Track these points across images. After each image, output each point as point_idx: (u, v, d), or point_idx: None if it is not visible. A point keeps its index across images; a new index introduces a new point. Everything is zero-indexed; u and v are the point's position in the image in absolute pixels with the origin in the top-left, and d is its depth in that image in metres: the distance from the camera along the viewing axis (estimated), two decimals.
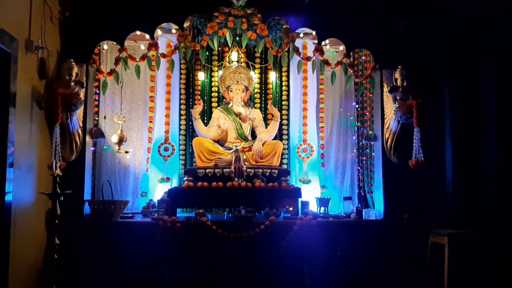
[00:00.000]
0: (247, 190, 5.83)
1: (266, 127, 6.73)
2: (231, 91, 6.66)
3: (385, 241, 5.49)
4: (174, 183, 6.73)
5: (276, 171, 6.09)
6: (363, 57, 6.62)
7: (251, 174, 6.00)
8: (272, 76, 7.04)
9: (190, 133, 6.94)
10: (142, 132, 6.96)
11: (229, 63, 6.99)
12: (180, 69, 6.94)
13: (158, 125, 6.78)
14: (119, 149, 6.08)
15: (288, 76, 7.07)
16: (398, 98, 5.49)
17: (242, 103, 6.66)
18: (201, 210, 5.61)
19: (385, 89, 5.73)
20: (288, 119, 7.02)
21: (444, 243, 5.11)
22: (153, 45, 5.82)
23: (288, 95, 7.06)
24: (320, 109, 7.02)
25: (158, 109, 6.81)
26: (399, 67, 5.58)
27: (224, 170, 6.00)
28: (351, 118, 7.13)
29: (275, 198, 5.84)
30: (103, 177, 6.71)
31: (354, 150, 7.04)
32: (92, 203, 5.45)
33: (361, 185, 6.80)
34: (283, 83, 7.07)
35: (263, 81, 7.09)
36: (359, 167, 6.95)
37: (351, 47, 5.97)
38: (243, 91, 6.67)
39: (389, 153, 5.68)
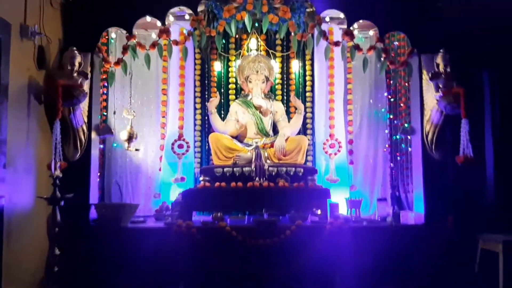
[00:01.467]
0: (269, 191, 5.25)
1: (288, 121, 6.13)
2: (250, 82, 6.07)
3: (427, 248, 4.85)
4: (190, 183, 6.17)
5: (302, 170, 5.49)
6: (396, 42, 5.96)
7: (273, 173, 5.41)
8: (295, 65, 6.43)
9: (206, 128, 6.37)
10: (154, 128, 6.42)
11: (247, 51, 6.40)
12: (195, 58, 6.38)
13: (171, 120, 6.22)
14: (128, 147, 5.54)
15: (312, 65, 6.46)
16: (441, 86, 4.83)
17: (263, 95, 6.06)
18: (219, 214, 5.03)
19: (424, 76, 5.08)
20: (312, 112, 6.40)
21: (498, 251, 4.46)
22: (165, 31, 5.26)
23: (312, 86, 6.44)
24: (348, 101, 6.39)
25: (171, 103, 6.26)
26: (441, 51, 4.93)
27: (244, 169, 5.42)
28: (383, 109, 6.49)
29: (301, 200, 5.24)
30: (113, 177, 6.20)
31: (386, 145, 6.40)
32: (98, 207, 4.92)
33: (395, 184, 6.16)
34: (307, 73, 6.46)
35: (285, 71, 6.48)
36: (392, 164, 6.31)
37: (385, 30, 5.32)
38: (263, 82, 6.08)
39: (430, 148, 5.04)
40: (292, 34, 5.66)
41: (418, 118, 5.17)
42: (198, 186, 5.28)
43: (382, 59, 5.37)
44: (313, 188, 5.30)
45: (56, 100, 4.38)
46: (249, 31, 5.90)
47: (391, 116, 6.23)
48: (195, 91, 6.35)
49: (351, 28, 5.42)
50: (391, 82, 6.27)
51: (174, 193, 5.90)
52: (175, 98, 6.22)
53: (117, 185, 5.27)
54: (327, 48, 5.48)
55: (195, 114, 6.33)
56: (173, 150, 6.03)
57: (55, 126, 4.44)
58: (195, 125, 6.32)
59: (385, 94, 6.43)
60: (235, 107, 6.06)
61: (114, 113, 6.18)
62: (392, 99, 6.23)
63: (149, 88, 6.46)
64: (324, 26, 5.90)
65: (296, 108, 6.16)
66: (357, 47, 5.33)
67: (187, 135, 6.17)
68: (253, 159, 5.59)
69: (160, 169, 6.21)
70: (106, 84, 6.06)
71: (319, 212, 5.19)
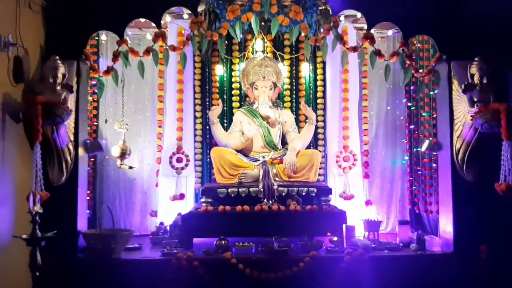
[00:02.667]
0: (279, 215, 4.69)
1: (298, 132, 5.56)
2: (256, 88, 5.47)
3: (458, 280, 4.32)
4: (189, 201, 5.60)
5: (315, 190, 4.92)
6: (419, 45, 5.35)
7: (283, 194, 4.86)
8: (305, 68, 5.83)
9: (207, 140, 5.78)
10: (150, 138, 5.84)
11: (252, 53, 5.79)
12: (194, 61, 5.76)
13: (169, 130, 5.63)
14: (121, 164, 4.97)
15: (324, 68, 5.86)
16: (475, 99, 4.24)
17: (270, 104, 5.47)
18: (223, 242, 4.47)
19: (455, 86, 4.48)
20: (324, 121, 5.82)
21: None
22: (160, 35, 4.64)
23: (324, 92, 5.85)
24: (363, 108, 5.82)
25: (169, 111, 5.66)
26: (476, 59, 4.31)
27: (251, 189, 4.85)
28: (401, 118, 5.92)
29: (315, 224, 4.70)
30: (105, 193, 5.65)
31: (405, 158, 5.83)
32: (87, 236, 4.35)
33: (415, 200, 5.61)
34: (318, 77, 5.86)
35: (294, 75, 5.88)
36: (411, 178, 5.76)
37: (409, 34, 4.71)
38: (270, 89, 5.48)
39: (460, 168, 4.46)
40: (304, 36, 5.04)
41: (446, 132, 4.57)
42: (200, 210, 4.72)
43: (406, 66, 4.74)
44: (328, 212, 4.73)
45: (35, 120, 3.78)
46: (255, 33, 5.26)
47: (413, 126, 5.65)
48: (194, 98, 5.75)
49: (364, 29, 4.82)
50: (411, 88, 5.68)
51: (173, 211, 5.35)
52: (173, 106, 5.62)
53: (108, 209, 4.68)
54: (344, 54, 4.87)
55: (195, 124, 5.74)
56: (171, 164, 5.45)
57: (34, 151, 3.84)
58: (195, 135, 5.73)
59: (404, 100, 5.85)
60: (240, 116, 5.47)
61: (106, 121, 5.60)
62: (413, 107, 5.64)
63: (143, 94, 5.87)
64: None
65: (306, 117, 5.59)
66: (378, 53, 4.71)
67: (186, 147, 5.58)
68: (261, 177, 5.02)
69: (157, 185, 5.65)
70: (96, 91, 5.48)
71: (335, 239, 4.63)
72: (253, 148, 5.35)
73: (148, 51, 4.66)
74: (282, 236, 4.63)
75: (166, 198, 5.48)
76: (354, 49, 4.79)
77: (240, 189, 4.85)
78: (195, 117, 5.74)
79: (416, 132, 5.59)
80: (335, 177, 5.64)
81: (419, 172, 5.55)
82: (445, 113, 4.61)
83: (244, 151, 5.33)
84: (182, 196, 5.47)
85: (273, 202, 4.80)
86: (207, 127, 5.73)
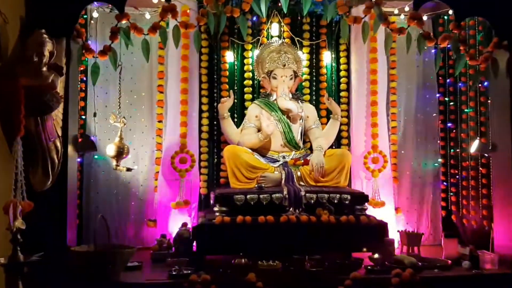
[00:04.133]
0: (309, 227, 3.95)
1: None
2: (274, 78, 4.70)
3: None
4: (194, 207, 4.80)
5: (348, 196, 4.19)
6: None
7: (312, 202, 4.11)
8: (327, 57, 5.11)
9: (214, 137, 4.99)
10: (147, 135, 5.01)
11: (268, 38, 5.03)
12: (200, 46, 4.95)
13: (171, 126, 4.80)
14: (117, 165, 4.13)
15: (348, 58, 5.14)
16: None
17: (290, 95, 4.71)
18: (243, 260, 3.67)
19: None
20: (348, 117, 5.10)
21: None
22: (169, 9, 3.84)
23: (348, 84, 5.14)
24: (391, 103, 5.13)
25: (170, 103, 4.83)
26: None
27: (273, 196, 4.09)
28: (434, 115, 5.24)
29: (351, 239, 3.98)
30: (93, 200, 4.82)
31: (439, 160, 5.17)
32: (79, 255, 3.50)
33: (452, 208, 4.95)
34: (341, 67, 5.14)
35: (314, 64, 5.15)
36: (445, 183, 5.10)
37: (463, 14, 4.03)
38: (291, 78, 4.72)
39: None
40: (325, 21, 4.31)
41: (507, 131, 3.90)
42: (215, 221, 3.92)
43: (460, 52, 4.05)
44: (367, 223, 4.01)
45: (15, 109, 2.92)
46: (285, 12, 4.47)
47: (450, 124, 4.98)
48: (200, 89, 4.94)
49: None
50: (446, 81, 5.03)
51: (176, 221, 4.56)
52: (176, 97, 4.79)
53: (103, 220, 3.81)
54: (389, 37, 4.14)
55: (200, 119, 4.93)
56: (173, 166, 4.64)
57: (15, 148, 2.97)
58: (200, 132, 4.92)
59: (437, 95, 5.19)
60: (255, 110, 4.69)
61: (95, 115, 4.74)
62: (451, 102, 4.97)
63: (140, 83, 5.04)
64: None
65: (329, 112, 4.87)
66: (427, 36, 4.01)
67: (191, 145, 4.78)
68: (283, 181, 4.28)
69: (156, 189, 4.82)
70: (85, 78, 4.66)
71: (376, 256, 3.89)
72: (271, 147, 4.59)
73: (154, 27, 3.84)
74: (313, 252, 3.89)
75: (167, 205, 4.67)
76: (399, 31, 4.07)
77: (261, 196, 4.08)
78: (201, 111, 4.94)
79: (454, 131, 4.93)
80: (362, 181, 4.92)
81: (457, 177, 4.89)
82: (504, 109, 3.94)
83: (260, 151, 4.56)
84: (186, 204, 4.66)
85: (300, 212, 4.06)
86: (215, 122, 4.95)
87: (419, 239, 4.34)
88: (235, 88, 4.99)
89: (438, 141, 5.19)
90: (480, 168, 4.45)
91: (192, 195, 4.76)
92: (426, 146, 5.27)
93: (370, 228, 4.02)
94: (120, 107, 4.28)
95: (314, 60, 5.12)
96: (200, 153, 4.91)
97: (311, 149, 4.72)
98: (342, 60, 5.12)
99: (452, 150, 4.97)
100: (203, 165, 4.92)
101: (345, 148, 4.96)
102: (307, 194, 4.11)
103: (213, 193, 4.31)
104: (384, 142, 4.96)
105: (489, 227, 4.32)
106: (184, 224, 4.36)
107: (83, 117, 4.71)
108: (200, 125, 4.93)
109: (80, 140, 4.10)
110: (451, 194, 4.93)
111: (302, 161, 4.45)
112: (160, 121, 4.87)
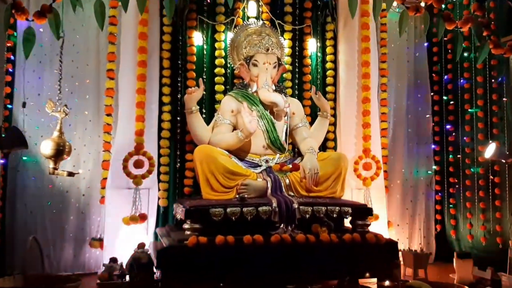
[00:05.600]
0: (306, 248, 3.13)
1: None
2: (255, 65, 3.85)
3: None
4: (151, 223, 3.85)
5: (349, 209, 3.41)
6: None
7: (307, 216, 3.29)
8: (311, 45, 4.37)
9: (178, 136, 4.07)
10: (93, 132, 4.01)
11: (244, 20, 4.21)
12: (161, 25, 4.04)
13: (123, 121, 3.85)
14: (55, 169, 3.11)
15: (335, 46, 4.42)
16: None
17: (273, 87, 3.90)
18: None
19: None
20: (335, 116, 4.37)
21: None
22: None
23: (335, 77, 4.42)
24: (381, 101, 4.47)
25: (123, 92, 3.88)
26: None
27: (260, 209, 3.24)
28: (427, 116, 4.65)
29: (357, 262, 3.21)
30: (20, 213, 3.73)
31: (434, 167, 4.56)
32: None
33: (451, 222, 4.35)
34: (327, 58, 4.42)
35: (297, 54, 4.38)
36: (439, 194, 4.50)
37: None
38: (274, 67, 3.91)
39: None
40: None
41: None
42: (187, 243, 2.99)
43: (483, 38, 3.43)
44: (376, 243, 3.25)
45: None
46: None
47: (448, 126, 4.39)
48: (161, 76, 4.02)
49: None
50: (443, 77, 4.45)
51: (129, 241, 3.60)
52: (130, 85, 3.85)
53: (35, 243, 2.79)
54: (405, 16, 3.43)
55: (160, 113, 4.00)
56: (126, 171, 3.67)
57: None
58: (160, 130, 3.99)
59: (431, 94, 4.60)
60: (231, 103, 3.81)
61: (24, 105, 3.72)
62: (451, 102, 4.38)
63: (84, 67, 4.06)
64: None
65: (313, 109, 4.13)
66: (447, 18, 3.34)
67: (149, 145, 3.83)
68: (269, 190, 3.44)
69: (102, 201, 3.82)
70: (13, 57, 3.63)
71: (387, 284, 3.14)
72: (251, 149, 3.74)
73: None
74: (312, 279, 3.09)
75: (117, 220, 3.68)
76: (416, 9, 3.37)
77: (244, 209, 3.21)
78: (161, 103, 4.01)
79: (453, 134, 4.33)
80: (352, 190, 4.19)
81: (456, 186, 4.29)
82: None
83: (238, 153, 3.69)
84: (143, 218, 3.70)
85: (293, 229, 3.24)
86: (178, 118, 4.05)
87: (427, 260, 3.69)
88: (204, 77, 4.10)
89: (432, 146, 4.59)
90: (491, 177, 3.85)
91: (149, 207, 3.81)
92: (418, 151, 4.67)
93: (379, 249, 3.26)
94: (60, 92, 3.25)
95: (297, 48, 4.35)
96: (160, 155, 3.97)
97: (296, 152, 3.94)
98: (329, 49, 4.40)
99: (451, 156, 4.37)
100: (163, 170, 3.98)
101: (332, 152, 4.21)
102: (301, 207, 3.29)
103: (180, 206, 3.37)
104: (377, 145, 4.28)
105: (504, 244, 3.73)
106: (141, 245, 3.41)
107: (9, 106, 3.67)
108: (160, 120, 4.00)
109: (3, 134, 3.05)
110: (451, 206, 4.32)
111: (290, 166, 3.64)
112: (109, 115, 3.89)
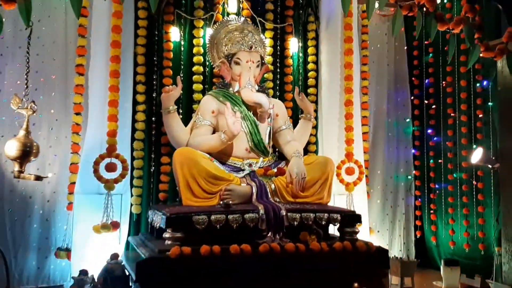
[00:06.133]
0: (296, 257, 2.94)
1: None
2: (237, 63, 3.64)
3: None
4: (124, 231, 3.57)
5: (338, 216, 3.26)
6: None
7: (295, 223, 3.11)
8: (293, 44, 4.21)
9: (152, 138, 3.81)
10: (60, 132, 3.70)
11: (224, 16, 4.00)
12: (136, 18, 3.78)
13: (94, 120, 3.55)
14: (21, 171, 2.78)
15: (316, 47, 4.29)
16: None
17: (256, 87, 3.70)
18: None
19: None
20: (317, 119, 4.23)
21: None
22: None
23: (317, 79, 4.28)
24: (362, 104, 4.36)
25: (94, 90, 3.59)
26: None
27: (246, 216, 3.03)
28: (407, 120, 4.59)
29: (348, 271, 3.05)
30: None
31: (413, 172, 4.50)
32: None
33: (432, 228, 4.29)
34: (309, 58, 4.28)
35: (278, 53, 4.22)
36: (419, 199, 4.44)
37: None
38: (257, 66, 3.71)
39: None
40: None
41: None
42: (169, 254, 2.74)
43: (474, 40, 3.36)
44: (367, 251, 3.10)
45: None
46: None
47: (430, 131, 4.33)
48: (135, 73, 3.75)
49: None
50: (424, 80, 4.39)
51: (99, 251, 3.32)
52: (102, 82, 3.56)
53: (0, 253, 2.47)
54: (398, 14, 3.30)
55: (134, 112, 3.73)
56: (96, 175, 3.38)
57: None
58: (134, 131, 3.72)
59: (411, 98, 4.55)
60: (212, 104, 3.58)
61: None
62: (433, 106, 4.32)
63: (50, 62, 3.74)
64: None
65: (295, 111, 3.97)
66: (440, 18, 3.25)
67: (122, 147, 3.55)
68: (254, 196, 3.24)
69: (70, 207, 3.51)
70: None
71: None
72: (233, 152, 3.52)
73: None
74: None
75: (86, 228, 3.38)
76: (409, 8, 3.25)
77: (229, 216, 2.99)
78: (135, 102, 3.73)
79: (434, 139, 4.27)
80: (334, 196, 4.04)
81: (437, 192, 4.23)
82: None
83: (219, 157, 3.47)
84: (115, 227, 3.42)
85: (281, 237, 3.05)
86: (153, 118, 3.80)
87: (414, 268, 3.57)
88: (181, 75, 3.86)
89: (412, 150, 4.53)
90: (474, 182, 3.80)
91: (122, 215, 3.53)
92: (397, 155, 4.59)
93: (369, 257, 3.12)
94: (27, 87, 2.92)
95: (278, 47, 4.19)
96: (133, 158, 3.69)
97: (277, 155, 3.76)
98: (311, 50, 4.26)
99: (431, 161, 4.31)
100: (137, 174, 3.71)
101: (312, 156, 4.05)
102: (289, 214, 3.10)
103: (158, 213, 3.11)
104: (359, 150, 4.16)
105: (487, 251, 3.68)
106: (114, 256, 3.15)
107: None
108: (134, 120, 3.72)
109: None
110: (432, 211, 4.25)
111: (275, 170, 3.45)
112: (78, 114, 3.59)
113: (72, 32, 3.70)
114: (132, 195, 3.67)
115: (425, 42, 4.40)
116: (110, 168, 3.43)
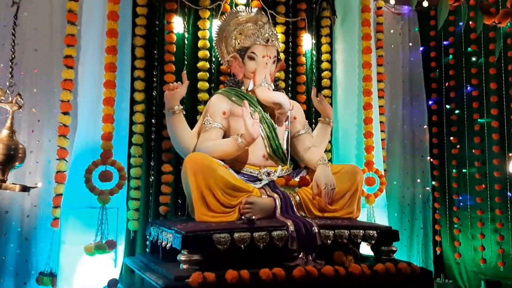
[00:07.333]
0: (335, 282, 2.50)
1: None
2: (251, 58, 3.17)
3: None
4: (120, 252, 3.04)
5: (374, 233, 2.84)
6: None
7: (328, 241, 2.67)
8: (306, 41, 3.81)
9: (152, 142, 3.30)
10: (43, 135, 3.15)
11: (232, 7, 3.56)
12: (134, 5, 3.28)
13: (85, 122, 3.03)
14: (3, 180, 2.24)
15: (331, 44, 3.89)
16: None
17: (273, 86, 3.26)
18: None
19: None
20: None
21: None
22: None
23: (331, 79, 3.88)
24: (380, 108, 3.99)
25: (86, 85, 3.07)
26: None
27: (274, 233, 2.57)
28: (424, 126, 4.25)
29: None
30: None
31: (433, 183, 4.15)
32: None
33: (455, 244, 3.94)
34: (323, 57, 3.87)
35: (291, 50, 3.79)
36: (438, 212, 4.09)
37: None
38: (274, 62, 3.27)
39: None
40: None
41: None
42: (190, 282, 2.24)
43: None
44: (411, 274, 2.69)
45: None
46: None
47: (451, 138, 4.00)
48: (133, 68, 3.25)
49: None
50: (443, 84, 4.07)
51: (92, 276, 2.79)
52: (95, 77, 3.05)
53: None
54: (444, 3, 2.93)
55: (132, 113, 3.22)
56: (89, 184, 2.85)
57: None
58: (131, 134, 3.21)
59: (430, 103, 4.21)
60: (222, 104, 3.10)
61: None
62: (456, 111, 3.99)
63: (30, 52, 3.19)
64: None
65: (315, 114, 3.54)
66: (486, 10, 2.90)
67: (119, 153, 3.03)
68: (278, 210, 2.78)
69: (55, 223, 2.95)
70: None
71: None
72: (248, 159, 3.06)
73: None
74: None
75: (76, 249, 2.84)
76: None
77: (255, 234, 2.53)
78: (133, 101, 3.23)
79: (458, 146, 3.94)
80: None
81: (461, 204, 3.88)
82: None
83: (234, 165, 3.00)
84: (111, 246, 2.89)
85: (314, 258, 2.60)
86: (153, 120, 3.29)
87: None
88: (184, 70, 3.34)
89: (430, 159, 4.19)
90: (510, 193, 3.47)
91: (119, 232, 3.00)
92: (413, 165, 4.24)
93: (414, 280, 2.71)
94: (12, 76, 2.37)
95: (290, 44, 3.77)
96: (130, 166, 3.18)
97: (295, 163, 3.32)
98: (325, 47, 3.85)
99: (453, 171, 3.97)
100: (134, 185, 3.18)
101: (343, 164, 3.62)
102: (321, 231, 2.67)
103: (168, 230, 2.62)
104: (379, 158, 3.77)
105: None
106: (113, 283, 2.63)
107: None
108: (132, 122, 3.21)
109: None
110: (456, 226, 3.89)
111: (298, 180, 3.01)
112: (66, 113, 3.04)
113: (59, 18, 3.17)
114: (128, 209, 3.14)
115: (444, 42, 4.08)
116: (105, 177, 2.91)
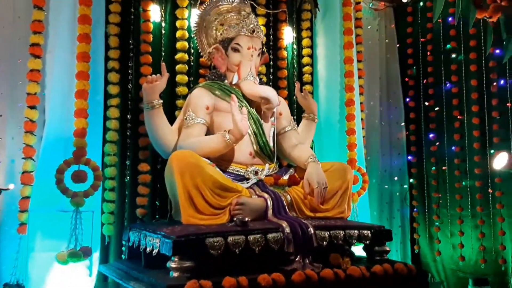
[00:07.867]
0: (335, 285, 2.37)
1: None
2: (236, 50, 2.98)
3: None
4: (95, 259, 2.78)
5: (368, 233, 2.73)
6: None
7: (324, 243, 2.54)
8: (287, 34, 3.67)
9: (128, 140, 3.05)
10: (6, 132, 2.84)
11: None
12: None
13: (55, 117, 2.76)
14: None
15: (312, 38, 3.77)
16: None
17: (258, 79, 3.09)
18: None
19: None
20: None
21: None
22: None
23: (312, 75, 3.76)
24: (361, 105, 3.91)
25: (55, 78, 2.79)
26: None
27: (269, 236, 2.40)
28: (402, 124, 4.21)
29: None
30: None
31: (411, 180, 4.12)
32: None
33: (436, 242, 3.92)
34: (304, 52, 3.75)
35: (272, 43, 3.64)
36: (416, 210, 4.06)
37: None
38: (258, 54, 3.10)
39: None
40: None
41: None
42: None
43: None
44: (408, 274, 2.60)
45: None
46: None
47: (431, 135, 3.97)
48: (107, 58, 2.99)
49: None
50: (421, 81, 4.06)
51: (62, 284, 2.53)
52: (65, 67, 2.79)
53: None
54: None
55: (106, 108, 2.96)
56: (60, 186, 2.59)
57: None
58: (106, 130, 2.95)
59: (407, 100, 4.18)
60: (205, 97, 2.90)
61: None
62: (436, 108, 3.97)
63: None
64: None
65: (298, 110, 3.41)
66: (478, 4, 2.85)
67: (93, 151, 2.77)
68: (270, 211, 2.62)
69: (22, 230, 2.65)
70: None
71: None
72: (234, 157, 2.88)
73: None
74: None
75: (46, 257, 2.57)
76: None
77: (250, 237, 2.35)
78: (107, 95, 2.97)
79: (437, 144, 3.92)
80: None
81: (440, 201, 3.87)
82: None
83: (220, 163, 2.81)
84: (86, 254, 2.62)
85: (311, 261, 2.46)
86: (129, 116, 3.04)
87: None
88: (161, 63, 3.13)
89: (408, 157, 4.15)
90: (490, 190, 3.47)
91: (94, 238, 2.74)
92: (391, 163, 4.19)
93: (410, 281, 2.63)
94: None
95: (271, 36, 3.61)
96: (104, 165, 2.92)
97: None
98: (305, 41, 3.73)
99: (433, 168, 3.95)
100: (109, 185, 2.92)
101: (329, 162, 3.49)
102: (317, 232, 2.53)
103: (152, 235, 2.40)
104: (361, 156, 3.69)
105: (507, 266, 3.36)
106: None
107: None
108: (105, 118, 2.95)
109: None
110: (437, 224, 3.87)
111: (287, 178, 2.86)
112: (32, 107, 2.74)
113: (23, 2, 2.86)
114: (103, 212, 2.88)
115: (421, 40, 4.06)
116: (79, 177, 2.64)
